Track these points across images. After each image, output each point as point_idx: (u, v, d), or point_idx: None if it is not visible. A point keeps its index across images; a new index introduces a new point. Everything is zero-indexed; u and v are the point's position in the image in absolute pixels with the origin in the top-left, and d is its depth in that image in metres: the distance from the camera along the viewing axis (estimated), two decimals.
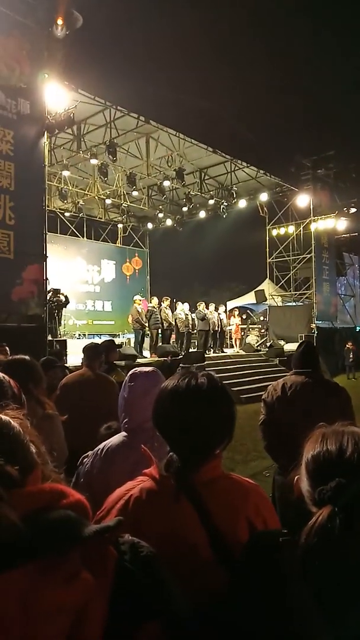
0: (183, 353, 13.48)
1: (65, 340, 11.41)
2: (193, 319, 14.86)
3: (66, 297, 13.00)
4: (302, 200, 18.28)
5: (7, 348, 5.37)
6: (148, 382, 1.92)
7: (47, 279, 10.17)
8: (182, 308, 14.79)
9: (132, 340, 14.49)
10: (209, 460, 1.20)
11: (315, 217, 18.48)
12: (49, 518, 0.72)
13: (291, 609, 0.84)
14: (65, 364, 6.94)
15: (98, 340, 10.08)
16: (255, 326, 20.81)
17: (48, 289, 10.82)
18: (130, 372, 2.00)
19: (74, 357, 8.37)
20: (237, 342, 17.95)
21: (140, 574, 0.80)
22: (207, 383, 1.23)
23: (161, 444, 1.32)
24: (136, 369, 2.03)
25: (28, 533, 0.69)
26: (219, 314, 15.74)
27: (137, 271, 22.09)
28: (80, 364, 4.34)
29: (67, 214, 19.06)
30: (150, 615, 0.77)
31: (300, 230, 19.22)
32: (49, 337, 10.61)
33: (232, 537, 1.11)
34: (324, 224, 18.57)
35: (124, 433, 1.92)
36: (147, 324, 13.57)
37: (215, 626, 0.95)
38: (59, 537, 0.71)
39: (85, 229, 20.23)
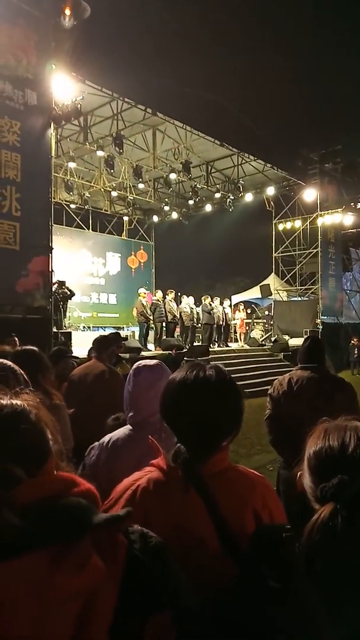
0: (187, 346, 13.49)
1: (70, 332, 11.44)
2: (198, 313, 14.85)
3: (71, 290, 13.02)
4: (309, 194, 18.16)
5: (17, 339, 5.39)
6: (152, 376, 1.92)
7: (52, 270, 10.17)
8: (187, 302, 14.78)
9: (137, 333, 14.51)
10: (216, 452, 1.20)
11: (322, 212, 18.35)
12: (61, 505, 0.73)
13: (295, 604, 0.84)
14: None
15: (103, 333, 10.10)
16: (260, 321, 20.77)
17: (53, 280, 10.83)
18: (134, 366, 2.00)
19: (79, 349, 8.39)
20: (242, 337, 17.93)
21: (150, 563, 0.80)
22: (215, 375, 1.23)
23: (168, 436, 1.32)
24: (140, 362, 2.03)
25: (38, 521, 0.70)
26: (223, 308, 15.71)
27: (142, 264, 22.06)
28: (86, 356, 4.34)
29: (72, 206, 19.03)
30: (160, 605, 0.78)
31: (306, 225, 19.11)
32: (54, 329, 10.63)
33: (239, 529, 1.12)
34: (330, 219, 18.45)
35: (129, 426, 1.93)
36: (151, 317, 13.57)
37: (222, 619, 0.96)
38: (69, 524, 0.72)
39: (90, 221, 20.19)
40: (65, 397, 2.63)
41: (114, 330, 12.49)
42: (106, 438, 1.93)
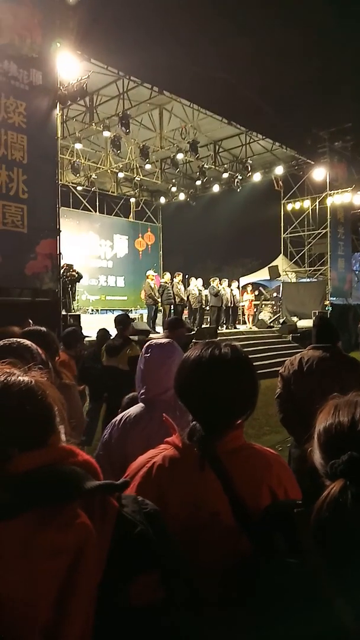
0: (196, 329, 13.49)
1: (79, 315, 11.48)
2: (206, 295, 14.80)
3: (78, 273, 13.02)
4: (318, 173, 17.87)
5: (31, 322, 5.41)
6: (163, 353, 1.93)
7: (60, 253, 10.16)
8: (196, 284, 14.73)
9: (145, 316, 14.52)
10: (231, 429, 1.20)
11: (332, 192, 18.09)
12: (53, 472, 0.80)
13: (306, 579, 0.84)
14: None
15: (111, 316, 10.13)
16: (268, 302, 20.67)
17: (61, 263, 10.82)
18: (146, 344, 2.01)
19: (87, 332, 8.42)
20: (250, 319, 17.88)
21: (140, 525, 0.85)
22: (230, 353, 1.22)
23: (183, 414, 1.32)
24: (152, 340, 2.04)
25: (30, 486, 0.77)
26: (231, 290, 15.65)
27: (149, 246, 21.96)
28: (95, 338, 4.37)
29: (79, 188, 18.91)
30: (147, 565, 0.83)
31: (315, 205, 18.85)
32: (63, 312, 10.67)
33: (254, 506, 1.12)
34: (340, 199, 18.18)
35: (141, 404, 1.94)
36: (159, 300, 13.56)
37: (237, 591, 0.97)
38: (58, 488, 0.79)
39: (97, 203, 20.08)
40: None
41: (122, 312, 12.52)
42: (118, 417, 1.95)
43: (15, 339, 1.76)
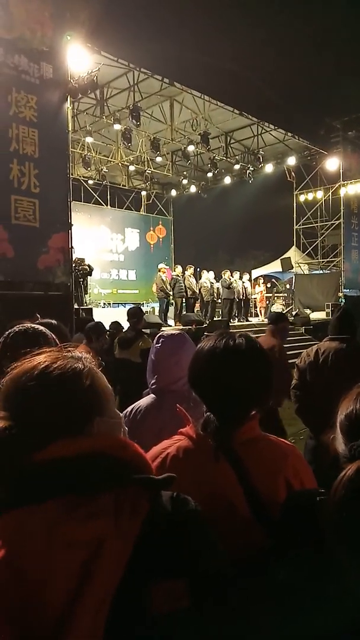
0: (207, 322, 13.47)
1: (91, 309, 11.54)
2: (218, 288, 14.76)
3: (90, 266, 13.06)
4: (332, 163, 17.64)
5: (39, 316, 5.44)
6: (174, 343, 1.94)
7: (72, 247, 10.19)
8: (207, 277, 14.69)
9: (157, 309, 14.53)
10: (246, 420, 1.19)
11: (345, 182, 17.85)
12: (87, 461, 0.78)
13: (329, 566, 0.84)
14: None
15: (123, 310, 10.16)
16: (280, 295, 20.55)
17: (73, 257, 10.86)
18: (157, 335, 2.02)
19: None
20: (262, 311, 17.80)
21: (175, 528, 0.80)
22: (245, 343, 1.21)
23: (197, 404, 1.31)
24: (163, 332, 2.05)
25: (59, 471, 0.76)
26: (243, 282, 15.58)
27: (161, 239, 21.94)
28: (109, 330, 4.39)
29: (90, 182, 18.92)
30: (175, 571, 0.77)
31: (328, 196, 18.62)
32: (75, 306, 10.72)
33: (270, 497, 1.11)
34: (354, 189, 17.92)
35: (152, 395, 1.95)
36: (171, 293, 13.55)
37: (256, 585, 0.96)
38: (85, 478, 0.77)
39: (109, 196, 20.08)
40: None
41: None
42: (129, 408, 1.95)
43: (30, 325, 1.78)
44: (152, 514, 0.80)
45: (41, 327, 1.75)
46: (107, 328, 5.70)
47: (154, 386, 1.92)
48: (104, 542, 0.74)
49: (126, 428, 1.89)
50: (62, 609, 0.71)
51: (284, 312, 18.32)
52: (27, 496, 0.76)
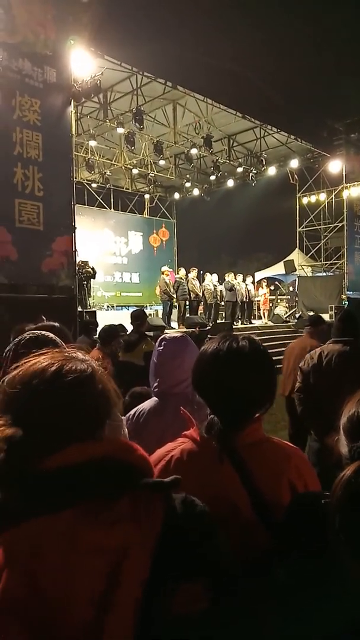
0: (211, 324, 13.47)
1: (94, 312, 11.54)
2: (221, 290, 14.76)
3: (93, 269, 13.08)
4: (335, 166, 17.63)
5: (44, 318, 5.44)
6: (176, 346, 1.94)
7: (76, 250, 10.21)
8: (211, 279, 14.69)
9: (160, 312, 14.54)
10: (250, 423, 1.19)
11: (348, 184, 17.82)
12: (101, 466, 0.77)
13: (334, 567, 0.84)
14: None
15: (126, 312, 10.16)
16: (283, 297, 20.54)
17: (77, 260, 10.88)
18: (159, 338, 2.02)
19: None
20: (266, 313, 17.78)
21: (190, 530, 0.80)
22: (248, 346, 1.21)
23: (200, 407, 1.32)
24: (165, 334, 2.05)
25: (76, 478, 0.75)
26: (246, 284, 15.57)
27: (164, 242, 21.96)
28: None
29: (94, 185, 18.96)
30: (194, 573, 0.78)
31: (331, 198, 18.62)
32: (79, 309, 10.74)
33: (273, 499, 1.11)
34: (357, 191, 17.89)
35: (154, 398, 1.94)
36: (174, 295, 13.56)
37: (259, 586, 0.96)
38: (106, 483, 0.76)
39: (112, 200, 20.13)
40: None
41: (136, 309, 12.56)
42: (132, 412, 1.95)
43: (39, 331, 1.78)
44: (168, 516, 0.80)
45: (51, 335, 1.74)
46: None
47: (156, 389, 1.92)
48: (129, 547, 0.73)
49: (127, 431, 1.89)
50: (89, 619, 0.69)
51: (286, 314, 18.35)
52: (41, 506, 0.73)
